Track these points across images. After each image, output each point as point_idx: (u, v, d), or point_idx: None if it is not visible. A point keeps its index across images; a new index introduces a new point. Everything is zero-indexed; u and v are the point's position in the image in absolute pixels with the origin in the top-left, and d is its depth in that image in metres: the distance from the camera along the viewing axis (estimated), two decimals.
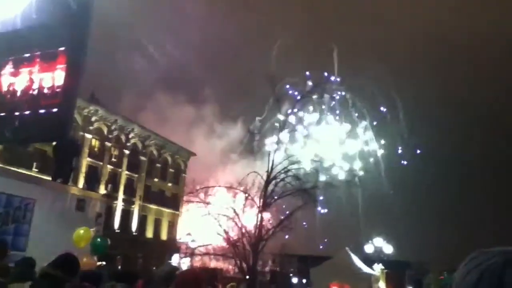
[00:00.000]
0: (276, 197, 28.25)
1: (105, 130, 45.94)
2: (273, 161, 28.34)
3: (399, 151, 29.00)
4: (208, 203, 29.09)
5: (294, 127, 29.02)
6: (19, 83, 8.10)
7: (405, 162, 29.96)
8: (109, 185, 45.59)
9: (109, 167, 46.37)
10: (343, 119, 29.23)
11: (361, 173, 28.17)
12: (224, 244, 30.22)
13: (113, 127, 46.68)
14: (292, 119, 28.93)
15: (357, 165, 28.44)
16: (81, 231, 9.13)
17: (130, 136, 48.90)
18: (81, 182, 40.49)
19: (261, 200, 28.01)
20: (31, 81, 8.40)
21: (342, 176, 27.97)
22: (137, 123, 49.33)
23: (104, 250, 9.08)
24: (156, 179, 52.33)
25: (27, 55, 8.13)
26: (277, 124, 28.71)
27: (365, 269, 27.44)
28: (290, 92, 28.88)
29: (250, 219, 28.73)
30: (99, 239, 9.02)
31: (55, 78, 8.05)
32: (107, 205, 34.69)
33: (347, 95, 28.78)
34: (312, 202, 27.90)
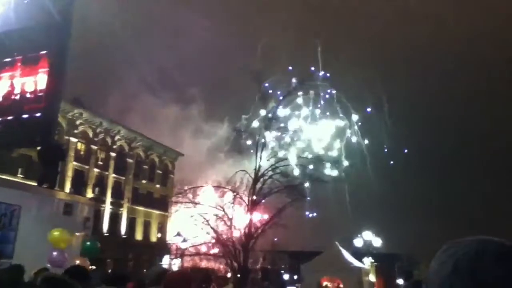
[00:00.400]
0: (264, 195, 28.28)
1: (91, 133, 45.56)
2: (260, 158, 28.37)
3: (385, 150, 29.12)
4: (196, 203, 29.02)
5: (280, 124, 29.04)
6: (1, 88, 8.00)
7: (392, 162, 30.12)
8: (97, 189, 45.25)
9: (96, 170, 46.00)
10: (329, 115, 29.34)
11: (347, 168, 28.30)
12: (214, 243, 30.17)
13: (98, 130, 46.31)
14: (278, 116, 28.95)
15: (344, 160, 28.58)
16: (56, 233, 9.05)
17: (116, 138, 48.55)
18: (67, 187, 40.14)
19: (250, 198, 28.02)
20: (13, 85, 8.30)
21: (328, 171, 28.09)
22: (122, 125, 48.98)
23: (96, 252, 9.03)
24: (144, 181, 52.06)
25: (8, 59, 8.04)
26: (263, 122, 28.71)
27: (355, 262, 27.65)
28: (275, 89, 28.90)
29: (239, 217, 28.73)
30: (88, 243, 8.95)
31: (37, 82, 7.97)
32: (95, 209, 34.49)
33: (332, 91, 28.87)
34: (300, 198, 27.98)
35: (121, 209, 48.18)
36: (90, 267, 10.94)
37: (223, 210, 28.51)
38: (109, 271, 32.45)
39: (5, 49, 6.61)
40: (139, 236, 50.44)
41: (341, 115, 29.09)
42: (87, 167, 44.79)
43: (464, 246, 1.04)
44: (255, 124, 28.86)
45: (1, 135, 7.62)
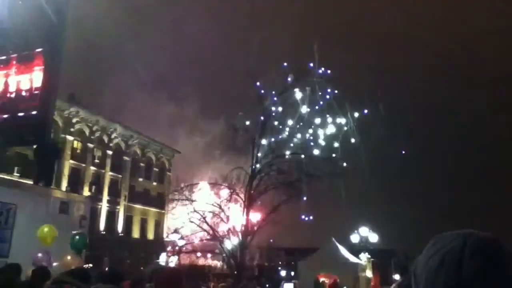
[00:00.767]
0: (261, 192, 28.31)
1: (87, 131, 45.46)
2: (257, 155, 28.39)
3: (383, 147, 29.19)
4: (193, 201, 29.04)
5: (276, 120, 29.05)
6: None
7: (390, 159, 30.18)
8: (93, 187, 45.19)
9: (92, 168, 45.93)
10: (326, 112, 29.35)
11: (343, 164, 28.34)
12: (211, 240, 30.20)
13: (95, 128, 46.21)
14: (273, 116, 28.95)
15: (340, 156, 28.62)
16: (45, 229, 9.04)
17: (113, 136, 48.46)
18: (64, 185, 40.06)
19: (246, 195, 28.05)
20: (8, 84, 8.29)
21: (325, 167, 28.12)
22: (119, 123, 48.86)
23: (84, 247, 9.01)
24: (140, 179, 52.01)
25: (2, 57, 8.03)
26: (258, 126, 28.71)
27: (352, 258, 27.76)
28: (271, 86, 28.89)
29: (236, 214, 28.77)
30: (77, 237, 8.94)
31: (33, 79, 7.97)
32: (91, 207, 34.39)
33: (333, 91, 28.87)
34: (297, 195, 28.03)
35: (118, 207, 48.14)
36: (86, 265, 10.95)
37: (220, 207, 28.56)
38: (106, 269, 32.47)
39: (0, 47, 6.61)
40: (136, 234, 50.43)
41: (338, 111, 29.15)
42: (83, 165, 44.72)
43: (451, 239, 1.06)
44: (252, 120, 28.87)
45: None
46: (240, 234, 27.71)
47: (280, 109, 28.93)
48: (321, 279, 25.38)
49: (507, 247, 1.05)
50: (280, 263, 53.39)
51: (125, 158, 49.90)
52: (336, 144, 28.64)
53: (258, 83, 28.01)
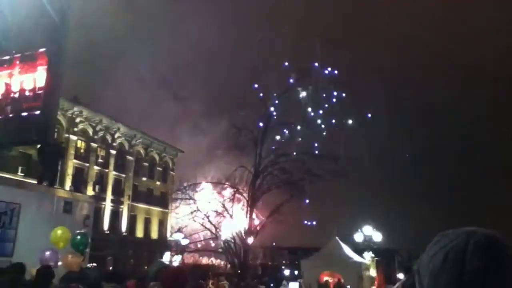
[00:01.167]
0: (264, 191, 28.33)
1: (90, 131, 45.56)
2: (260, 154, 28.41)
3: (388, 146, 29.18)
4: (196, 200, 29.10)
5: (279, 119, 29.07)
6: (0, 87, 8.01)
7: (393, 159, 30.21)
8: (97, 186, 45.28)
9: (96, 168, 46.04)
10: (329, 111, 29.35)
11: (347, 163, 28.31)
12: (214, 239, 30.26)
13: (98, 128, 46.30)
14: (276, 112, 28.97)
15: (343, 155, 28.60)
16: (59, 231, 9.04)
17: (116, 136, 48.55)
18: (68, 184, 40.15)
19: (250, 194, 28.08)
20: (12, 84, 8.31)
21: (328, 166, 28.11)
22: (122, 122, 48.94)
23: (85, 247, 9.00)
24: (144, 178, 52.10)
25: (6, 57, 8.05)
26: (264, 117, 28.71)
27: (355, 257, 27.73)
28: (273, 85, 28.91)
29: (239, 213, 28.81)
30: (79, 237, 8.94)
31: (36, 79, 7.98)
32: (95, 207, 34.47)
33: (335, 88, 28.84)
34: (300, 194, 28.04)
35: (121, 207, 48.23)
36: (90, 264, 10.97)
37: (223, 206, 28.60)
38: (110, 268, 32.59)
39: (3, 47, 6.63)
40: (139, 233, 50.51)
41: (341, 111, 29.13)
42: (87, 164, 44.82)
43: (454, 237, 1.07)
44: (255, 119, 28.88)
45: (0, 134, 7.63)
46: (243, 233, 27.74)
47: (282, 108, 28.95)
48: (325, 278, 25.38)
49: (510, 244, 1.05)
50: (283, 262, 53.40)
51: (129, 157, 49.98)
52: (339, 144, 28.65)
53: (256, 85, 28.06)
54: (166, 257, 36.71)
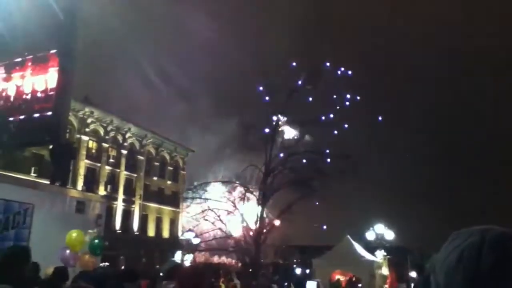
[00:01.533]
0: (275, 189, 28.30)
1: (102, 131, 45.89)
2: (270, 153, 28.38)
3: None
4: (207, 199, 29.16)
5: (289, 118, 29.00)
6: (12, 88, 8.10)
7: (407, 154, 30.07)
8: (108, 186, 45.62)
9: (108, 168, 46.36)
10: (338, 109, 29.23)
11: (358, 161, 28.19)
12: (225, 238, 30.29)
13: (109, 128, 46.62)
14: (287, 110, 28.91)
15: (354, 154, 28.50)
16: (74, 234, 9.12)
17: (127, 136, 48.85)
18: (80, 184, 40.49)
19: (260, 193, 28.07)
20: (24, 85, 8.40)
21: (339, 165, 28.01)
22: (133, 122, 49.23)
23: (101, 251, 9.12)
24: (155, 178, 52.36)
25: (18, 59, 8.14)
26: (274, 118, 28.68)
27: (367, 256, 27.61)
28: (284, 83, 28.84)
29: (250, 212, 28.80)
30: (96, 241, 9.02)
31: (48, 80, 8.06)
32: (107, 206, 34.77)
33: (345, 90, 28.75)
34: (311, 192, 27.97)
35: (133, 206, 48.53)
36: (103, 264, 11.07)
37: (234, 205, 28.62)
38: (122, 267, 32.78)
39: (14, 49, 6.70)
40: (151, 232, 50.79)
41: (350, 109, 29.01)
42: (98, 165, 45.16)
43: (469, 235, 1.07)
44: (265, 118, 28.86)
45: (13, 135, 7.72)
46: (254, 232, 27.74)
47: (292, 107, 28.88)
48: (337, 277, 25.29)
49: None
50: (295, 261, 53.33)
51: (140, 157, 50.26)
52: (350, 142, 28.54)
53: (261, 88, 28.04)
54: (178, 256, 36.87)
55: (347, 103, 28.43)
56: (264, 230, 27.94)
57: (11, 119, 7.15)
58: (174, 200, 52.38)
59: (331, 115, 28.01)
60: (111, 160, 47.00)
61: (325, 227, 29.40)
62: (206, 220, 29.51)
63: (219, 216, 28.64)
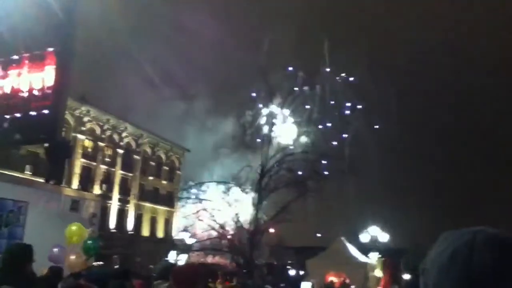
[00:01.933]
0: (270, 190, 28.34)
1: (98, 130, 45.76)
2: (266, 154, 28.41)
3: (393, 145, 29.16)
4: (202, 199, 29.16)
5: (285, 118, 29.04)
6: (8, 86, 8.09)
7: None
8: (104, 185, 45.48)
9: (103, 167, 46.23)
10: (335, 110, 29.31)
11: (353, 162, 28.27)
12: (220, 238, 30.30)
13: (105, 127, 46.50)
14: (283, 111, 28.95)
15: (349, 155, 28.56)
16: (74, 227, 9.11)
17: (123, 135, 48.74)
18: (75, 183, 40.37)
19: (256, 194, 28.09)
20: (21, 83, 8.38)
21: (334, 165, 28.09)
22: (129, 122, 49.11)
23: (96, 252, 9.10)
24: (150, 177, 52.25)
25: (15, 57, 8.12)
26: (271, 119, 28.70)
27: (361, 257, 27.67)
28: (280, 85, 28.90)
29: (245, 213, 28.81)
30: (90, 241, 9.00)
31: (44, 79, 8.04)
32: (102, 205, 34.66)
33: (336, 84, 28.80)
34: (306, 193, 28.02)
35: (128, 205, 48.42)
36: (97, 263, 11.04)
37: (229, 206, 28.63)
38: (116, 266, 32.67)
39: (12, 47, 6.68)
40: (146, 232, 50.68)
41: (347, 109, 29.07)
42: (94, 163, 45.04)
43: (461, 235, 1.08)
44: (261, 119, 28.88)
45: (8, 132, 7.70)
46: (249, 233, 27.75)
47: (290, 108, 28.93)
48: (330, 278, 25.33)
49: None
50: (289, 262, 53.34)
51: (135, 156, 50.15)
52: (345, 143, 28.58)
53: (251, 94, 28.08)
54: (172, 256, 36.85)
55: (347, 111, 28.56)
56: (260, 230, 27.97)
57: (7, 116, 7.12)
58: (169, 200, 52.27)
59: (329, 124, 28.10)
60: (107, 159, 46.88)
61: (319, 234, 29.52)
62: (201, 220, 29.51)
63: (214, 216, 28.64)
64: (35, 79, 7.11)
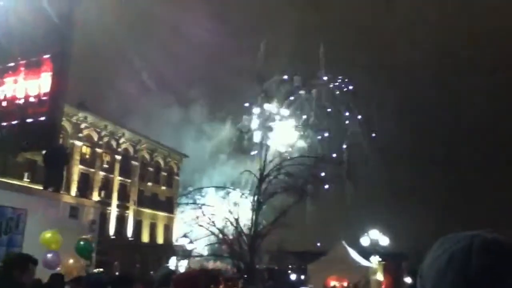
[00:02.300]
0: (269, 195, 28.30)
1: (95, 137, 45.71)
2: (265, 158, 28.40)
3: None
4: (202, 204, 29.10)
5: (283, 123, 29.05)
6: (5, 93, 8.06)
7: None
8: (102, 192, 45.40)
9: (101, 173, 46.15)
10: (331, 115, 29.35)
11: (351, 167, 28.28)
12: (220, 244, 30.23)
13: (103, 133, 46.46)
14: (281, 115, 28.97)
15: (346, 158, 28.61)
16: (48, 235, 9.10)
17: (121, 141, 48.69)
18: (73, 190, 40.28)
19: (255, 198, 28.05)
20: (17, 90, 8.35)
21: (333, 170, 28.10)
22: (127, 128, 49.09)
23: (89, 253, 9.06)
24: (149, 183, 52.17)
25: (11, 64, 8.10)
26: (269, 124, 28.72)
27: (362, 261, 27.60)
28: (278, 89, 28.94)
29: (245, 218, 28.75)
30: (82, 242, 8.98)
31: (41, 85, 8.02)
32: (101, 212, 34.54)
33: (334, 91, 28.87)
34: (305, 198, 28.00)
35: (127, 212, 48.32)
36: (97, 269, 10.99)
37: (229, 211, 28.56)
38: (116, 273, 32.57)
39: (8, 53, 6.66)
40: (145, 238, 50.56)
41: (343, 113, 29.12)
42: (92, 170, 44.96)
43: (458, 240, 1.07)
44: (258, 124, 28.89)
45: (5, 140, 7.66)
46: (249, 238, 27.69)
47: (288, 110, 28.97)
48: (332, 283, 25.25)
49: None
50: (290, 266, 53.21)
51: (134, 162, 50.09)
52: (344, 147, 28.61)
53: (269, 84, 28.12)
54: (172, 262, 36.74)
55: (347, 121, 28.67)
56: (259, 235, 27.91)
57: (4, 124, 7.09)
58: (168, 205, 52.17)
59: (326, 133, 28.18)
60: (105, 166, 46.81)
61: (318, 244, 29.58)
62: (201, 226, 29.43)
63: (213, 222, 28.58)
64: (31, 86, 7.08)
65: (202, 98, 47.44)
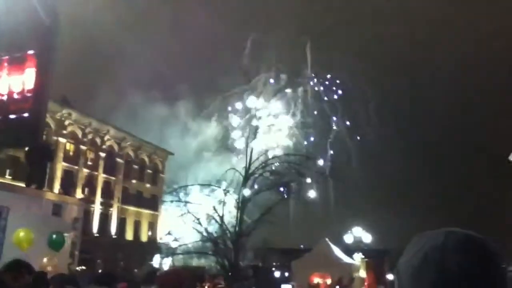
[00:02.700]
0: (254, 192, 28.36)
1: (80, 134, 45.25)
2: (250, 156, 28.43)
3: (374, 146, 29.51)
4: (187, 202, 29.01)
5: (268, 121, 29.11)
6: None
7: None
8: (86, 189, 45.00)
9: (85, 170, 45.73)
10: (316, 112, 29.52)
11: (335, 164, 28.50)
12: (204, 242, 30.17)
13: (87, 130, 46.02)
14: (266, 113, 29.02)
15: (332, 157, 28.81)
16: (21, 233, 9.04)
17: (106, 138, 48.28)
18: (56, 187, 39.86)
19: (240, 196, 28.07)
20: (0, 86, 8.24)
21: (317, 167, 28.28)
22: (112, 125, 48.66)
23: (61, 245, 9.00)
24: (134, 181, 51.84)
25: None
26: (253, 120, 28.74)
27: (345, 259, 27.85)
28: (265, 86, 28.98)
29: (229, 215, 28.76)
30: (54, 236, 8.92)
31: (24, 82, 7.93)
32: (84, 209, 34.24)
33: (319, 88, 29.02)
34: (290, 195, 28.12)
35: (111, 209, 47.96)
36: (79, 267, 10.93)
37: (214, 209, 28.54)
38: (99, 271, 32.35)
39: None
40: (129, 236, 50.26)
41: (328, 112, 29.29)
42: (76, 167, 44.51)
43: (432, 238, 1.09)
44: (244, 121, 28.92)
45: None
46: (234, 235, 27.71)
47: (274, 107, 29.02)
48: (315, 279, 25.43)
49: (490, 244, 1.08)
50: (274, 264, 53.35)
51: (118, 160, 49.71)
52: (328, 145, 28.81)
53: (254, 81, 28.15)
54: (156, 260, 36.59)
55: (334, 127, 28.90)
56: (244, 233, 27.94)
57: None
58: (153, 203, 51.95)
59: (312, 138, 28.34)
60: (89, 163, 46.38)
61: (302, 246, 29.83)
62: (185, 223, 29.36)
63: (198, 219, 28.52)
64: (14, 82, 7.00)
65: (187, 95, 47.21)
